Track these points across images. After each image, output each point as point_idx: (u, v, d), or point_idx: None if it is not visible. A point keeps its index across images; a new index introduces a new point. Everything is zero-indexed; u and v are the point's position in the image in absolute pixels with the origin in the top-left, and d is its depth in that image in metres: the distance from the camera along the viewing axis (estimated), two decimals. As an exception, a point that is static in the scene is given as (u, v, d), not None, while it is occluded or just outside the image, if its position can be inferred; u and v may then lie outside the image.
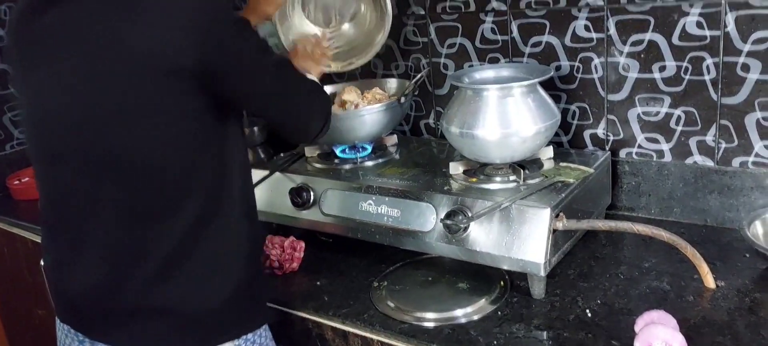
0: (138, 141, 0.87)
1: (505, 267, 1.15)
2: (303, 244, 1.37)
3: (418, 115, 1.65)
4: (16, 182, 1.92)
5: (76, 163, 0.91)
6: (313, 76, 1.21)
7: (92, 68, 0.86)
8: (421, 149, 1.55)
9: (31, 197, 1.87)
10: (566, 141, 1.44)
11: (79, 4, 0.87)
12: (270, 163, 1.56)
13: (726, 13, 1.17)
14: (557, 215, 1.12)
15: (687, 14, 1.20)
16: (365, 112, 1.41)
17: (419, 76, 1.47)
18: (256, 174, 1.48)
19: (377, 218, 1.30)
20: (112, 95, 0.86)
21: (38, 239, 1.68)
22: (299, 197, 1.40)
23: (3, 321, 2.10)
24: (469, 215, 1.15)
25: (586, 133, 1.41)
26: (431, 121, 1.64)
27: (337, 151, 1.51)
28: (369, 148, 1.52)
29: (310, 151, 1.55)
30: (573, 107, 1.40)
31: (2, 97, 1.99)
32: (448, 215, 1.18)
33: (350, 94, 1.53)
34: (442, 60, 1.55)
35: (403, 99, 1.43)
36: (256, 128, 1.86)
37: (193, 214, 0.92)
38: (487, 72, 1.35)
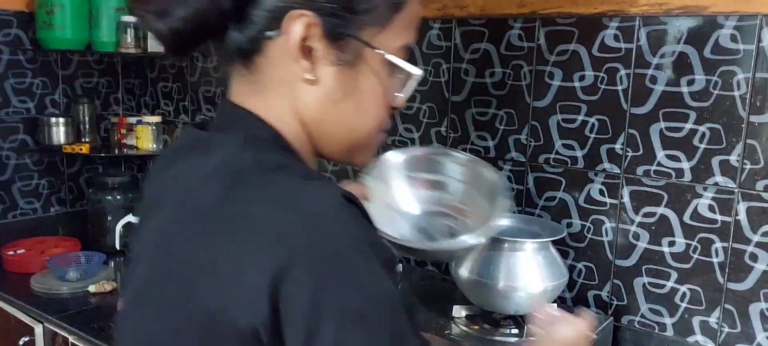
0: None
1: None
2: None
3: (424, 247, 1.65)
4: (11, 253, 1.89)
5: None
6: None
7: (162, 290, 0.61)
8: (425, 282, 1.55)
9: (25, 271, 1.84)
10: (570, 298, 1.43)
11: (189, 166, 0.63)
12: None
13: (738, 202, 1.20)
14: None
15: (700, 196, 1.24)
16: (375, 240, 1.42)
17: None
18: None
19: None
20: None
21: (22, 317, 1.64)
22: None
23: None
24: (470, 365, 1.13)
25: (591, 294, 1.40)
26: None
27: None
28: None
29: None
30: (580, 266, 1.41)
31: (16, 166, 2.01)
32: (448, 362, 1.16)
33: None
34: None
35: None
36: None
37: None
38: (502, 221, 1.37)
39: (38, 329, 1.58)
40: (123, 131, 2.14)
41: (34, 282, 1.76)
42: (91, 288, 1.73)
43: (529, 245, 1.23)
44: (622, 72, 1.29)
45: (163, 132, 2.13)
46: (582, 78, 1.34)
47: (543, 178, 1.43)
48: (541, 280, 1.22)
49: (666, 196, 1.28)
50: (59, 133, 2.01)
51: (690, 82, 1.22)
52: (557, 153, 1.40)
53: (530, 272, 1.22)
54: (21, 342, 1.59)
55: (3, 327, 1.69)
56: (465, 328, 1.26)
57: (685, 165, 1.25)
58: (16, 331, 1.63)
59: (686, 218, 1.26)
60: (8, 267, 1.88)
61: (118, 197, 2.12)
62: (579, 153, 1.37)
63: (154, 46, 1.97)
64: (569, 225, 1.40)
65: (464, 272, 1.26)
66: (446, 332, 1.24)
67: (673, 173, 1.26)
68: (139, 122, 2.11)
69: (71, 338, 1.52)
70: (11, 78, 1.97)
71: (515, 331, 1.24)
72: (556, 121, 1.39)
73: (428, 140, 1.59)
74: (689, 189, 1.25)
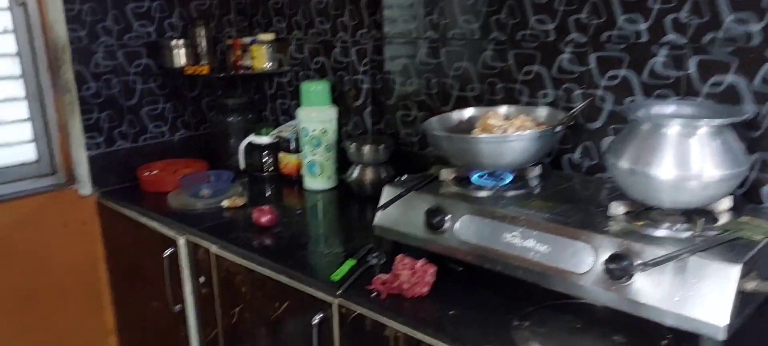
0: None
1: (671, 324, 1.01)
2: (434, 269, 1.28)
3: (563, 147, 1.54)
4: (147, 174, 1.96)
5: None
6: None
7: None
8: (565, 185, 1.44)
9: (159, 190, 1.91)
10: (739, 194, 1.28)
11: None
12: (401, 182, 1.50)
13: None
14: (747, 274, 0.98)
15: None
16: (516, 139, 1.32)
17: (583, 104, 1.36)
18: (389, 192, 1.42)
19: (522, 251, 1.19)
20: None
21: (165, 231, 1.69)
22: (434, 218, 1.32)
23: (114, 307, 2.14)
24: (639, 261, 1.03)
25: (765, 190, 1.24)
26: (577, 155, 1.52)
27: (474, 177, 1.43)
28: (509, 178, 1.42)
29: (446, 174, 1.47)
30: (754, 157, 1.25)
31: (143, 91, 2.05)
32: (613, 259, 1.06)
33: (496, 118, 1.45)
34: (600, 92, 1.44)
35: (559, 128, 1.33)
36: (381, 146, 1.81)
37: None
38: (666, 108, 1.23)
39: (181, 241, 1.63)
40: (238, 53, 2.14)
41: (171, 200, 1.82)
42: (224, 203, 1.76)
43: (705, 129, 1.09)
44: None
45: (278, 50, 2.11)
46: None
47: (708, 60, 1.26)
48: (716, 167, 1.08)
49: None
50: (180, 55, 2.04)
51: None
52: (727, 30, 1.23)
53: (705, 159, 1.08)
54: (165, 254, 1.65)
55: (148, 241, 1.76)
56: (627, 225, 1.15)
57: None
58: (160, 244, 1.69)
59: None
60: (145, 187, 1.95)
61: (239, 119, 2.14)
62: (755, 27, 1.19)
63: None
64: (741, 111, 1.24)
65: (624, 162, 1.14)
66: (606, 229, 1.14)
67: None
68: (254, 42, 2.09)
69: (213, 248, 1.55)
70: (131, 2, 2.00)
71: (686, 226, 1.11)
72: (726, -9, 1.21)
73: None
74: None
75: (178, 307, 1.70)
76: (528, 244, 1.19)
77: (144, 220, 1.78)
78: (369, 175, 1.83)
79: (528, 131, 1.33)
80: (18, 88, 1.93)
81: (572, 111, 1.35)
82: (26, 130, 1.97)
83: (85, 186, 2.00)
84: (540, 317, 1.17)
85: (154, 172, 1.96)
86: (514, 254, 1.20)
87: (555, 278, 1.14)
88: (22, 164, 1.97)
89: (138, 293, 1.94)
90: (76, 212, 2.01)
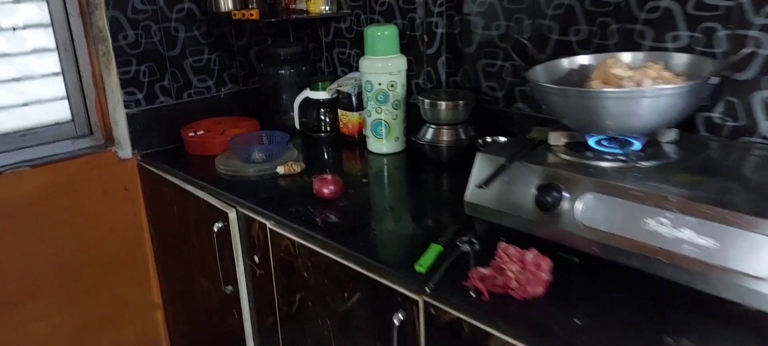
0: None
1: None
2: (550, 262, 1.01)
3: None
4: (191, 134, 1.73)
5: None
6: None
7: None
8: (705, 153, 1.14)
9: (206, 153, 1.68)
10: None
11: None
12: (496, 148, 1.22)
13: None
14: None
15: None
16: (657, 94, 1.02)
17: (747, 49, 1.04)
18: (485, 162, 1.15)
19: (673, 244, 0.91)
20: None
21: (213, 202, 1.47)
22: (548, 195, 1.04)
23: (160, 281, 1.96)
24: None
25: None
26: (717, 114, 1.21)
27: (591, 142, 1.14)
28: (638, 144, 1.12)
29: (556, 139, 1.18)
30: None
31: (186, 40, 1.81)
32: (821, 263, 0.77)
33: (620, 67, 1.15)
34: (752, 32, 1.12)
35: (715, 79, 1.02)
36: (461, 103, 1.53)
37: None
38: None
39: (232, 215, 1.41)
40: (291, -6, 1.87)
41: (219, 164, 1.59)
42: (280, 169, 1.52)
43: None
44: None
45: (338, -10, 1.83)
46: None
47: None
48: None
49: None
50: (226, -1, 1.79)
51: None
52: None
53: None
54: (215, 228, 1.43)
55: (194, 211, 1.54)
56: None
57: None
58: (209, 216, 1.47)
59: None
60: (190, 149, 1.73)
61: (291, 71, 1.89)
62: None
63: None
64: None
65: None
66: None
67: None
68: (310, -19, 1.81)
69: (269, 224, 1.32)
70: (170, -61, 1.74)
71: None
72: None
73: None
74: None
75: (229, 288, 1.49)
76: (681, 234, 0.91)
77: (190, 188, 1.56)
78: (445, 136, 1.56)
79: (676, 84, 1.03)
80: (47, 38, 1.71)
81: (735, 56, 1.04)
82: (58, 86, 1.75)
83: (125, 148, 1.80)
84: (700, 332, 0.89)
85: (200, 132, 1.74)
86: (660, 247, 0.92)
87: (720, 280, 0.86)
88: (56, 124, 1.77)
89: (185, 267, 1.74)
90: (116, 177, 1.81)
